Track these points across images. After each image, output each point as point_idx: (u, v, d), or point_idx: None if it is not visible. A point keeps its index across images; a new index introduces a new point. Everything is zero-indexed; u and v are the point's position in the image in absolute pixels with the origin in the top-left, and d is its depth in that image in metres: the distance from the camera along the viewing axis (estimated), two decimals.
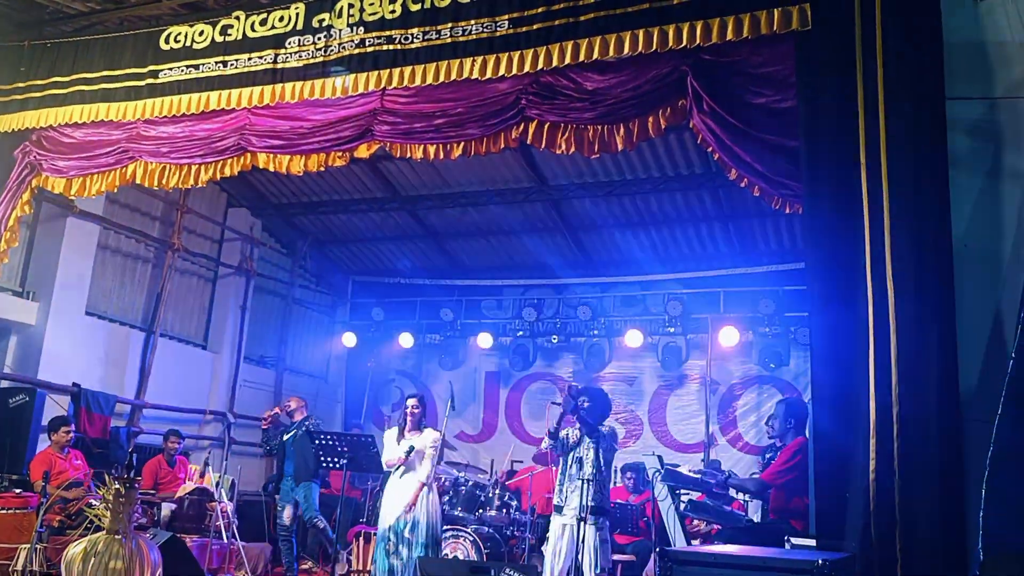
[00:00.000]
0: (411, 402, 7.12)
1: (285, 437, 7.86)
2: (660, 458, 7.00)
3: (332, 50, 6.29)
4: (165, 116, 6.92)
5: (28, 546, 7.09)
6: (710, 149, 5.53)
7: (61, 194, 7.82)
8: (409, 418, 6.98)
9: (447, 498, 8.52)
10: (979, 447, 4.00)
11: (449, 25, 5.86)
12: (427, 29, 5.94)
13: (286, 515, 8.03)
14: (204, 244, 11.37)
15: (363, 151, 6.59)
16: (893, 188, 4.34)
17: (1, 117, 7.68)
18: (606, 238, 11.39)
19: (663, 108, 5.59)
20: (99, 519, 3.96)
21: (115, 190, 7.66)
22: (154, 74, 6.97)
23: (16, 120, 7.58)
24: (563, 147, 5.88)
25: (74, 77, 7.34)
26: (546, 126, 5.90)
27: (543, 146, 5.99)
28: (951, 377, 4.17)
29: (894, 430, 4.13)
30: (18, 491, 7.63)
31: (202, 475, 9.24)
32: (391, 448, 6.93)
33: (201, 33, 6.84)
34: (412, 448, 6.77)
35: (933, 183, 4.33)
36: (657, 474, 6.80)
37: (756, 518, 6.40)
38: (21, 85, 7.63)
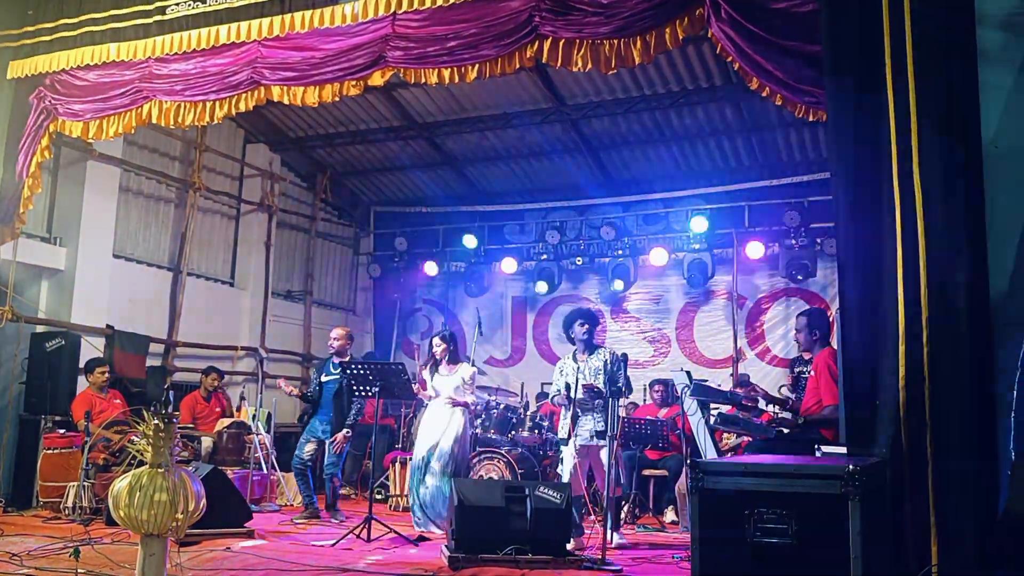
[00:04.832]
0: (435, 341, 7.37)
1: (324, 379, 7.88)
2: (689, 374, 7.03)
3: None
4: (176, 53, 6.86)
5: (76, 484, 7.34)
6: (730, 59, 5.39)
7: (79, 138, 7.83)
8: (440, 357, 7.26)
9: (480, 421, 8.66)
10: (1010, 350, 3.97)
11: None
12: None
13: (307, 449, 7.85)
14: (224, 182, 11.37)
15: (377, 78, 6.51)
16: (920, 88, 4.22)
17: (13, 63, 7.66)
18: (627, 156, 11.26)
19: (680, 18, 5.44)
20: (142, 454, 4.06)
21: (132, 131, 7.64)
22: (161, 10, 6.89)
23: (28, 65, 7.55)
24: (579, 64, 5.76)
25: (82, 18, 7.27)
26: (561, 43, 5.77)
27: (559, 64, 5.87)
28: (981, 280, 4.12)
29: (924, 335, 4.11)
30: (62, 432, 7.86)
31: (238, 409, 9.44)
32: (427, 383, 7.29)
33: None
34: (438, 393, 7.15)
35: (962, 81, 4.20)
36: (686, 389, 6.84)
37: (785, 429, 6.43)
38: (30, 29, 7.57)
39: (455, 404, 7.13)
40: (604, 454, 6.32)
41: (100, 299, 9.22)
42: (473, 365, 7.64)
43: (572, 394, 6.45)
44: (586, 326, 6.68)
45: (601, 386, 6.35)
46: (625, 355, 6.58)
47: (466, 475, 7.16)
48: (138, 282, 9.92)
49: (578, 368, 6.54)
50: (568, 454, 6.60)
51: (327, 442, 7.69)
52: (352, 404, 7.60)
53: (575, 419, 6.48)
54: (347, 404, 7.61)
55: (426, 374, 7.38)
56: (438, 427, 7.09)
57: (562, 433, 6.65)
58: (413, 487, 7.11)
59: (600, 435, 6.38)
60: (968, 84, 4.22)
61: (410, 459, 8.84)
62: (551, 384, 6.99)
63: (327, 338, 8.21)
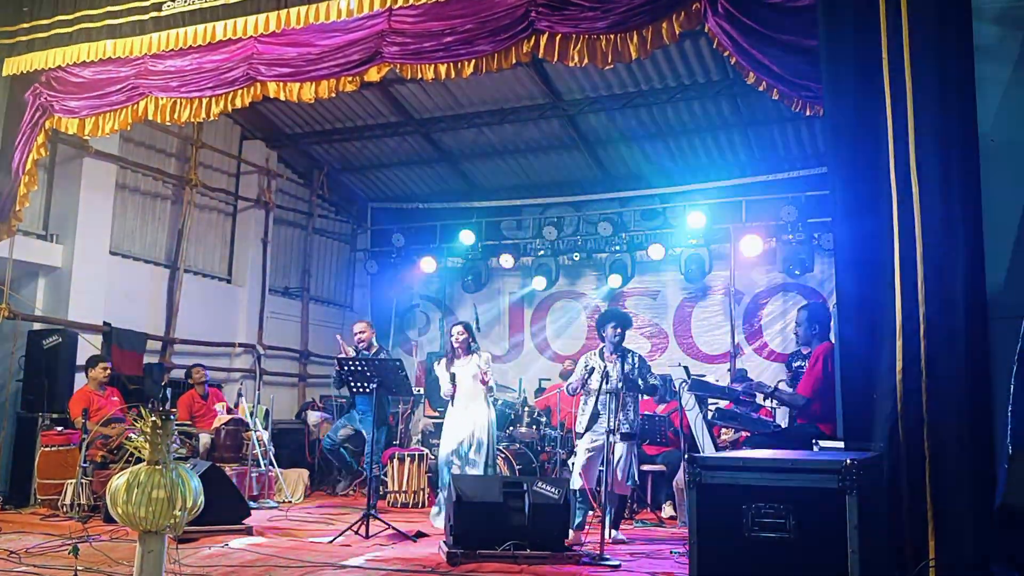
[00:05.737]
0: (456, 329, 7.39)
1: None
2: (687, 369, 7.06)
3: None
4: (172, 50, 6.84)
5: (74, 481, 7.33)
6: (727, 53, 5.39)
7: (75, 135, 7.81)
8: (457, 348, 7.26)
9: None
10: (1006, 344, 3.99)
11: None
12: None
13: (341, 432, 8.51)
14: (221, 179, 11.35)
15: (373, 74, 6.50)
16: (916, 82, 4.22)
17: (8, 60, 7.63)
18: (624, 152, 11.23)
19: (677, 13, 5.43)
20: (139, 452, 4.05)
21: (128, 128, 7.63)
22: (157, 7, 6.88)
23: (24, 62, 7.53)
24: (576, 59, 5.76)
25: (78, 15, 7.25)
26: (557, 38, 5.77)
27: (555, 59, 5.88)
28: (977, 275, 4.13)
29: (920, 330, 4.12)
30: (60, 429, 7.85)
31: (235, 406, 9.43)
32: (444, 379, 7.23)
33: None
34: (454, 375, 7.09)
35: (958, 75, 4.21)
36: (684, 384, 6.85)
37: (784, 424, 6.44)
38: (25, 26, 7.55)
39: (482, 381, 7.11)
40: (619, 450, 6.46)
41: (97, 296, 9.21)
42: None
43: (596, 394, 6.56)
44: (619, 329, 6.80)
45: (626, 390, 6.50)
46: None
47: (494, 463, 7.24)
48: (135, 279, 9.91)
49: (605, 367, 6.66)
50: (582, 448, 6.68)
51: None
52: (388, 402, 7.70)
53: (595, 416, 6.59)
54: (384, 399, 7.66)
55: (440, 370, 7.30)
56: (468, 420, 7.11)
57: (579, 428, 6.77)
58: (442, 478, 7.12)
59: (623, 435, 6.51)
60: (965, 78, 4.23)
61: (408, 455, 8.94)
62: (548, 380, 7.02)
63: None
